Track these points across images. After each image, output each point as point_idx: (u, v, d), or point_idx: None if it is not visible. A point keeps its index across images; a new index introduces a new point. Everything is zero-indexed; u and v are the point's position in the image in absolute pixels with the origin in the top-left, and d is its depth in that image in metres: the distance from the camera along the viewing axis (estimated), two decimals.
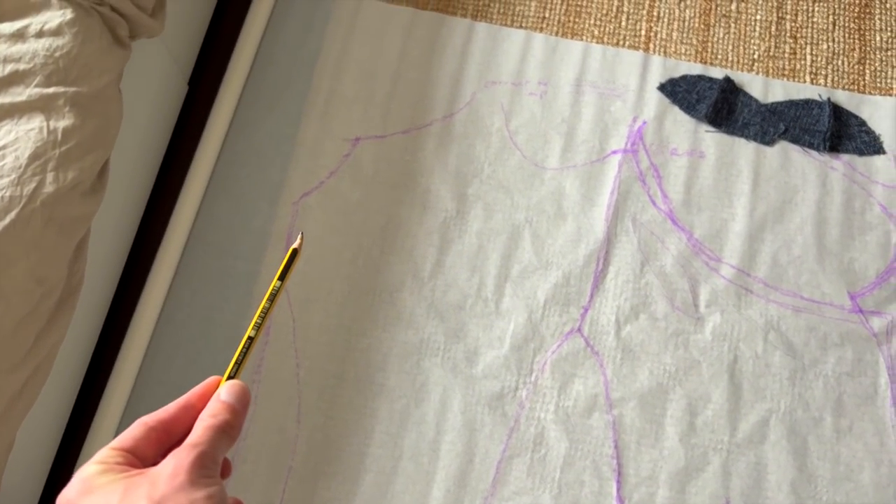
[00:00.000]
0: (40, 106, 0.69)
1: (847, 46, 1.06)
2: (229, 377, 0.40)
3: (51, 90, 0.69)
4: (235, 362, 0.41)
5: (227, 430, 0.36)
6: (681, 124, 1.01)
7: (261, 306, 0.42)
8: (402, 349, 0.91)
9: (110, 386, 0.88)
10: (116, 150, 0.78)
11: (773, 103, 1.02)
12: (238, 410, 0.37)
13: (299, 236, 0.45)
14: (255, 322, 0.41)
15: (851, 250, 0.95)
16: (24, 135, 0.68)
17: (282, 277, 0.43)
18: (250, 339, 0.41)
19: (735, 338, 0.91)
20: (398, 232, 0.96)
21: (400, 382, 0.89)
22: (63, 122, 0.69)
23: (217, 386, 0.39)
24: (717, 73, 1.04)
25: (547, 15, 1.07)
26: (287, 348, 0.90)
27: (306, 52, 1.05)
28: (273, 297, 0.42)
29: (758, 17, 1.08)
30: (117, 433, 0.86)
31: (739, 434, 0.87)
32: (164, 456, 0.35)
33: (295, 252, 0.43)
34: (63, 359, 0.82)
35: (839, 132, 1.00)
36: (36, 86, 0.69)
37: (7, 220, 0.65)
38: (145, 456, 0.36)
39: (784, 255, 0.95)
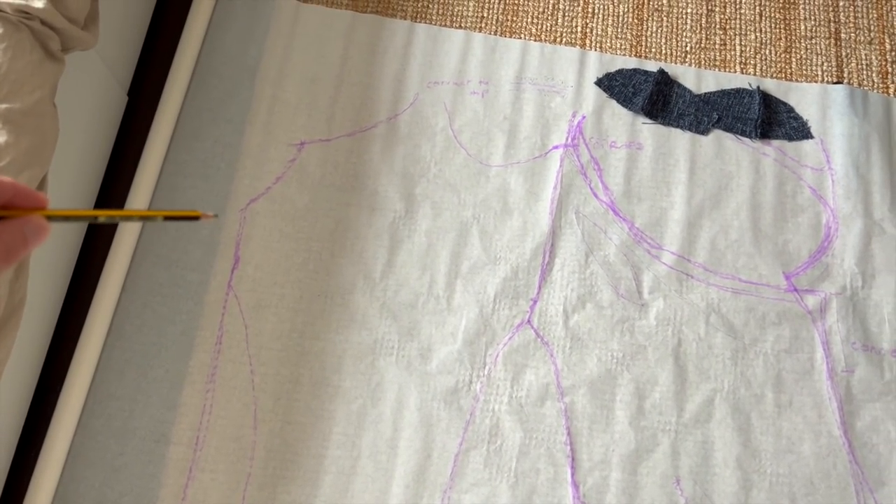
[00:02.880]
0: None
1: (774, 36, 1.10)
2: (49, 217, 0.38)
3: None
4: (66, 216, 0.39)
5: (11, 262, 0.37)
6: (618, 117, 1.04)
7: (130, 213, 0.40)
8: (357, 350, 0.92)
9: (62, 402, 0.87)
10: (56, 165, 0.78)
11: (705, 93, 1.06)
12: (29, 251, 0.38)
13: (214, 215, 0.43)
14: (114, 216, 0.40)
15: (785, 232, 0.99)
16: None
17: (169, 219, 0.40)
18: (95, 218, 0.40)
19: (678, 322, 0.94)
20: (347, 234, 0.97)
21: (356, 383, 0.90)
22: None
23: (41, 206, 0.38)
24: (652, 66, 1.07)
25: (485, 14, 1.09)
26: (240, 355, 0.90)
27: (248, 60, 1.05)
28: (144, 220, 0.40)
29: (688, 10, 1.11)
30: (71, 450, 0.86)
31: (686, 414, 0.90)
32: None
33: (197, 218, 0.41)
34: (10, 377, 0.81)
35: (769, 119, 1.04)
36: None
37: None
38: None
39: (722, 239, 0.98)
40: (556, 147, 1.02)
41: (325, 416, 0.89)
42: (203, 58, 1.05)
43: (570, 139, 1.02)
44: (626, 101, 1.04)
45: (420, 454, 0.87)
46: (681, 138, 1.03)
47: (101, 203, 0.97)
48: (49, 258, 0.87)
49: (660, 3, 1.11)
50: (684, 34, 1.10)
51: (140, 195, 0.96)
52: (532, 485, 0.87)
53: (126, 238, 0.94)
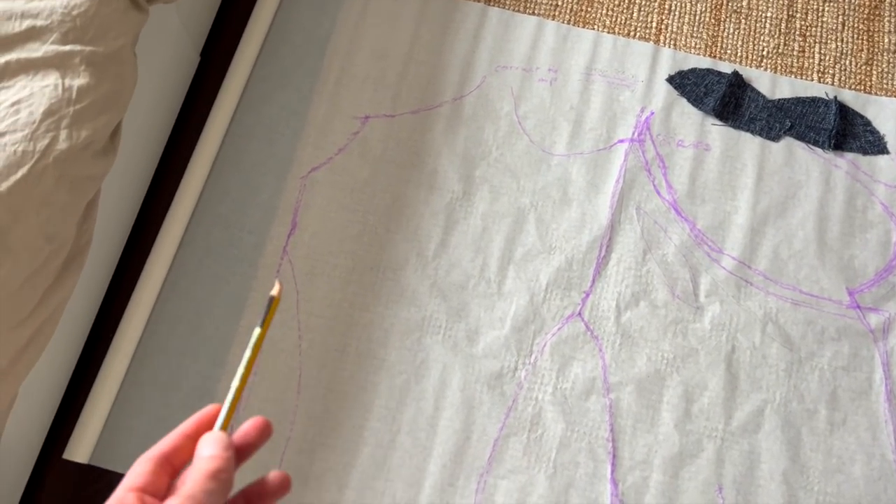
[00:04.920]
0: (56, 63, 0.69)
1: (855, 47, 1.07)
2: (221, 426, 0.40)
3: (67, 48, 0.70)
4: (228, 412, 0.41)
5: (218, 476, 0.37)
6: (688, 116, 1.02)
7: (245, 358, 0.42)
8: (404, 326, 0.91)
9: (112, 350, 0.88)
10: (128, 115, 0.79)
11: (779, 100, 1.03)
12: (228, 458, 0.38)
13: (277, 284, 0.45)
14: (242, 374, 0.42)
15: (852, 247, 0.96)
16: (39, 91, 0.68)
17: (262, 325, 0.43)
18: (239, 389, 0.42)
19: (733, 328, 0.92)
20: (404, 210, 0.96)
21: (400, 358, 0.90)
22: (78, 81, 0.70)
23: (215, 416, 0.40)
24: (726, 67, 1.04)
25: (560, 3, 1.08)
26: (290, 320, 0.91)
27: (319, 31, 1.06)
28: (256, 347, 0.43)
29: (768, 13, 1.08)
30: (117, 398, 0.87)
31: (734, 422, 0.88)
32: (173, 485, 0.38)
33: (273, 299, 0.43)
34: (67, 317, 0.83)
35: (844, 131, 1.01)
36: (52, 43, 0.70)
37: (19, 174, 0.65)
38: (157, 490, 0.37)
39: (785, 249, 0.96)
40: (621, 141, 1.00)
41: (368, 387, 0.88)
42: (276, 25, 1.06)
43: (636, 134, 1.00)
44: (696, 101, 1.02)
45: (459, 435, 0.87)
46: (750, 143, 1.01)
47: (165, 158, 0.99)
48: (113, 206, 0.88)
49: (739, 5, 1.09)
50: (762, 38, 1.07)
51: (204, 155, 0.97)
52: (570, 477, 0.85)
53: (187, 196, 0.95)
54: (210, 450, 0.38)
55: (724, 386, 0.89)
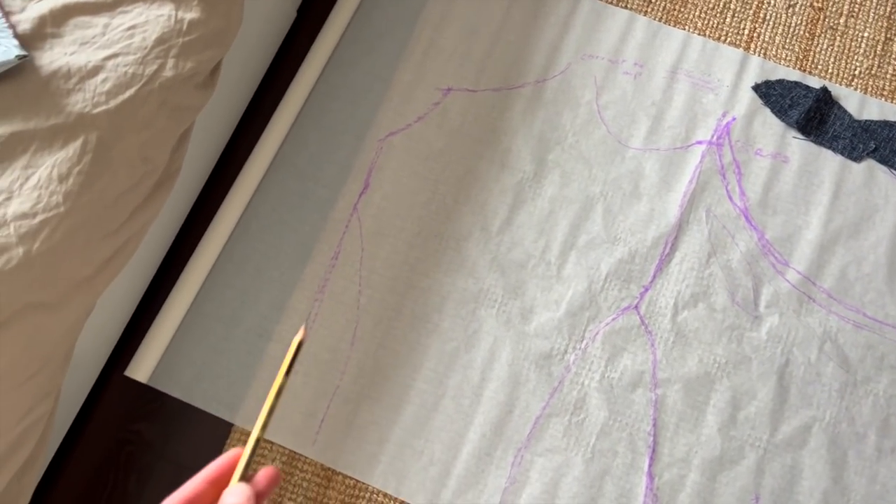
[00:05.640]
0: None
1: None
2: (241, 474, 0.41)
3: None
4: (246, 462, 0.41)
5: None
6: (769, 126, 1.01)
7: (267, 404, 0.41)
8: (461, 295, 0.93)
9: (182, 279, 0.92)
10: (226, 56, 0.82)
11: (866, 121, 1.01)
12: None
13: (302, 328, 0.43)
14: (263, 422, 0.42)
15: None
16: (154, 19, 0.72)
17: (287, 372, 0.42)
18: (258, 440, 0.42)
19: (790, 342, 0.91)
20: (474, 184, 0.98)
21: (454, 326, 0.91)
22: (190, 14, 0.73)
23: (236, 461, 0.41)
24: (815, 82, 1.03)
25: (654, 0, 1.08)
26: (353, 274, 0.93)
27: (412, 1, 1.08)
28: (279, 393, 0.42)
29: (865, 34, 1.06)
30: (181, 326, 0.90)
31: (779, 435, 0.87)
32: None
33: (299, 344, 0.42)
34: (145, 241, 0.86)
35: None
36: None
37: (126, 94, 0.69)
38: None
39: (853, 270, 0.94)
40: (699, 142, 1.00)
41: (419, 349, 0.90)
42: None
43: (715, 137, 1.00)
44: (780, 112, 1.01)
45: (502, 408, 0.88)
46: (830, 160, 0.99)
47: (252, 105, 1.02)
48: (202, 141, 0.91)
49: (836, 22, 1.07)
50: (856, 57, 1.05)
51: (289, 108, 1.00)
52: (607, 465, 0.86)
53: (268, 145, 0.98)
54: (235, 499, 0.39)
55: (774, 397, 0.89)
